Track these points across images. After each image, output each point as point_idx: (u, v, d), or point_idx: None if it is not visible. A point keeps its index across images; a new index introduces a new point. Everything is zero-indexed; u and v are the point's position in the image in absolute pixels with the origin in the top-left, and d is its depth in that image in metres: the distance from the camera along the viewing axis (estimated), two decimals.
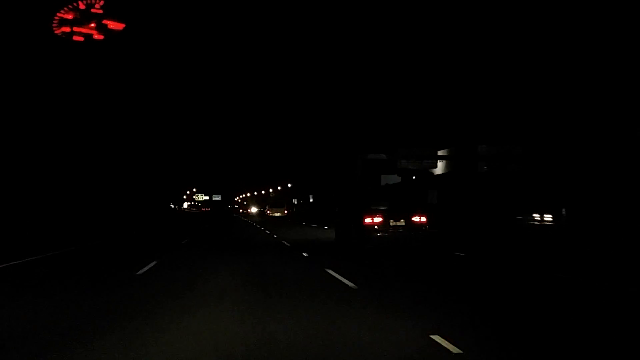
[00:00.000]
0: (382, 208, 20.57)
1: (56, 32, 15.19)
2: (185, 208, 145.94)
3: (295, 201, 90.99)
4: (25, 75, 26.77)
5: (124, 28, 15.02)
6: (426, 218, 20.49)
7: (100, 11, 14.76)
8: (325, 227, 32.70)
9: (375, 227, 19.60)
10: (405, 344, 5.79)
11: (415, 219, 20.20)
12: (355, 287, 9.52)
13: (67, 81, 29.96)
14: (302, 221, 47.24)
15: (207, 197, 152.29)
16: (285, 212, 75.19)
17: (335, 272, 11.39)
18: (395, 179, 47.84)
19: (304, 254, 15.98)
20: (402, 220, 19.96)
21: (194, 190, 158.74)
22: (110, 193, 40.59)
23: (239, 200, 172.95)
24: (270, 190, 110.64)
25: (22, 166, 28.18)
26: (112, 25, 14.83)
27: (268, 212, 79.89)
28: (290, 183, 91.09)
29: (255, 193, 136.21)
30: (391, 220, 19.90)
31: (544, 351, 5.59)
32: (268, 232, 30.27)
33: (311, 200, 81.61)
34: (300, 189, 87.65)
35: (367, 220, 19.37)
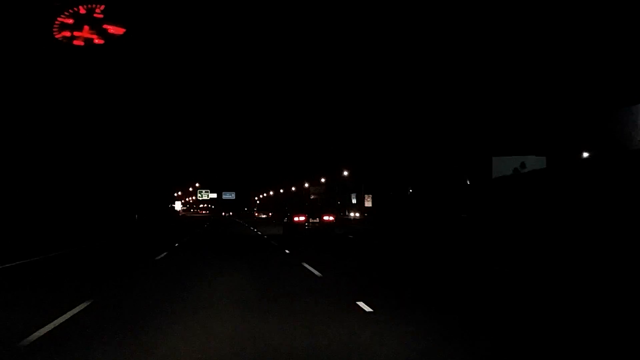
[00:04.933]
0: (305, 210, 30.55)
1: (56, 36, 15.18)
2: (180, 210, 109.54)
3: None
4: (26, 80, 26.76)
5: (125, 32, 15.02)
6: (334, 217, 30.30)
7: (101, 16, 14.76)
8: None
9: (304, 223, 28.34)
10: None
11: (326, 217, 29.03)
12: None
13: (68, 85, 29.96)
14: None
15: (214, 195, 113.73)
16: (270, 214, 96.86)
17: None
18: (532, 163, 33.35)
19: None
20: (317, 218, 28.60)
21: (197, 185, 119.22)
22: (98, 197, 38.86)
23: (258, 202, 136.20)
24: (307, 184, 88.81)
25: (22, 168, 28.12)
26: (113, 29, 14.83)
27: (256, 214, 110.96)
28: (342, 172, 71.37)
29: (282, 191, 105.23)
30: (310, 219, 28.53)
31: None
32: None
33: (353, 201, 72.44)
34: (344, 190, 75.86)
35: (296, 219, 28.82)
